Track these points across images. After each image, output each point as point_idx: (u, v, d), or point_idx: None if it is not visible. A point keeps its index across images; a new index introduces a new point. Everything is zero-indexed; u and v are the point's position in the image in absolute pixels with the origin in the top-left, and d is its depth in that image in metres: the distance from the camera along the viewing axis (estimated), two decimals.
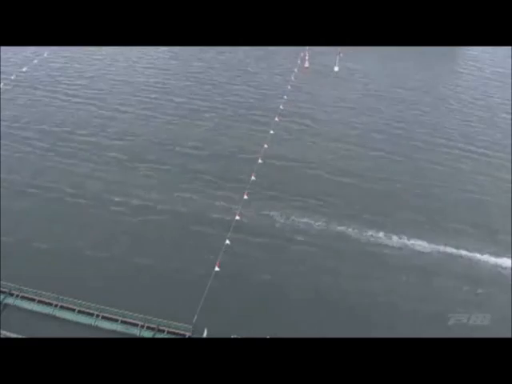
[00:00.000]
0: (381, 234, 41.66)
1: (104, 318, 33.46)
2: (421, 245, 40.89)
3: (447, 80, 74.55)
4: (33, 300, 34.27)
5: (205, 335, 31.64)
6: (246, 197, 44.67)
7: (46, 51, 74.06)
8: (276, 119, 58.23)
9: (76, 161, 50.29)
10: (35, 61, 72.42)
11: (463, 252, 40.40)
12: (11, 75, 67.50)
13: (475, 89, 70.53)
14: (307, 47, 74.54)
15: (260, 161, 50.03)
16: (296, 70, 72.22)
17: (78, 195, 45.12)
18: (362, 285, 37.03)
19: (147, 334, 32.50)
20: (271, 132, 55.50)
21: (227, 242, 39.27)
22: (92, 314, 33.55)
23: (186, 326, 32.49)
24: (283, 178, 48.83)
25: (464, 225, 43.43)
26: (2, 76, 66.75)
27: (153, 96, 64.13)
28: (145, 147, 53.25)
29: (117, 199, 44.74)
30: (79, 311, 33.74)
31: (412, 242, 41.10)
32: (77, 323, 33.04)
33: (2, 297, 34.34)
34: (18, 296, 34.49)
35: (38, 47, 71.15)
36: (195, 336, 31.82)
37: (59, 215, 42.71)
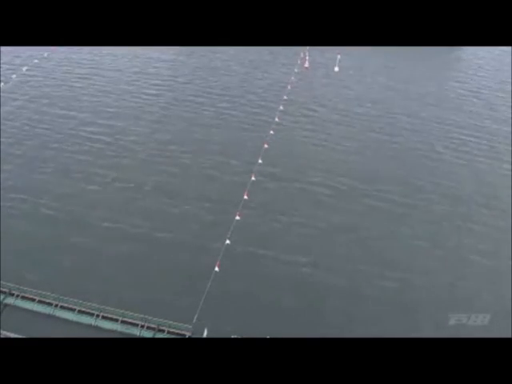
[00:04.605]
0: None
1: (104, 317, 33.44)
2: None
3: (448, 79, 74.67)
4: (33, 300, 34.24)
5: (205, 335, 31.62)
6: (246, 197, 44.68)
7: (46, 51, 74.09)
8: (276, 119, 58.25)
9: (72, 163, 50.42)
10: (35, 61, 72.47)
11: None
12: (12, 75, 67.55)
13: (476, 88, 70.75)
14: (307, 47, 74.60)
15: (260, 161, 50.05)
16: (296, 69, 72.25)
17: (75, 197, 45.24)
18: None
19: (147, 334, 32.49)
20: (271, 132, 55.52)
21: (227, 241, 39.27)
22: (92, 314, 33.53)
23: (186, 326, 32.50)
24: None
25: None
26: (2, 76, 66.79)
27: (152, 96, 64.23)
28: (145, 146, 53.41)
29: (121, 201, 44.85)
30: (79, 311, 33.73)
31: None
32: (77, 323, 33.02)
33: (2, 297, 34.31)
34: (18, 296, 34.45)
35: (38, 47, 71.13)
36: (195, 336, 31.81)
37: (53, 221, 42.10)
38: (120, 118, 58.80)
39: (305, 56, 74.78)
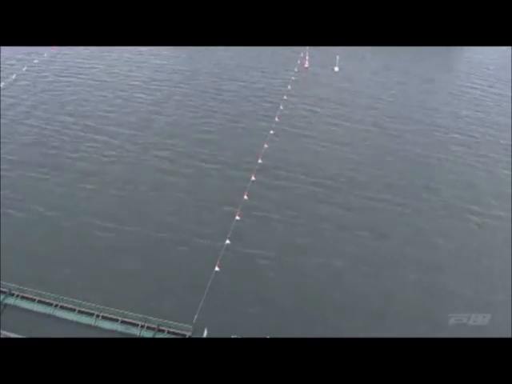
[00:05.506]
0: None
1: (104, 317, 33.43)
2: None
3: (448, 79, 74.69)
4: (33, 300, 34.24)
5: (205, 335, 31.63)
6: (245, 197, 44.66)
7: (46, 51, 74.19)
8: (276, 119, 58.28)
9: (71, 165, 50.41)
10: (35, 61, 72.51)
11: None
12: (12, 75, 67.58)
13: (478, 86, 70.92)
14: (307, 47, 74.68)
15: (260, 160, 50.06)
16: (296, 69, 72.34)
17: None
18: None
19: (147, 334, 32.47)
20: (271, 132, 55.55)
21: (227, 241, 39.26)
22: (92, 314, 33.52)
23: (186, 326, 32.48)
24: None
25: None
26: (2, 76, 66.81)
27: (151, 97, 64.29)
28: (147, 145, 53.46)
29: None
30: (79, 311, 33.71)
31: None
32: (77, 323, 33.02)
33: (2, 297, 34.32)
34: (18, 296, 34.46)
35: (38, 47, 71.21)
36: (195, 336, 31.81)
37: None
38: (120, 119, 58.79)
39: (305, 56, 74.84)
